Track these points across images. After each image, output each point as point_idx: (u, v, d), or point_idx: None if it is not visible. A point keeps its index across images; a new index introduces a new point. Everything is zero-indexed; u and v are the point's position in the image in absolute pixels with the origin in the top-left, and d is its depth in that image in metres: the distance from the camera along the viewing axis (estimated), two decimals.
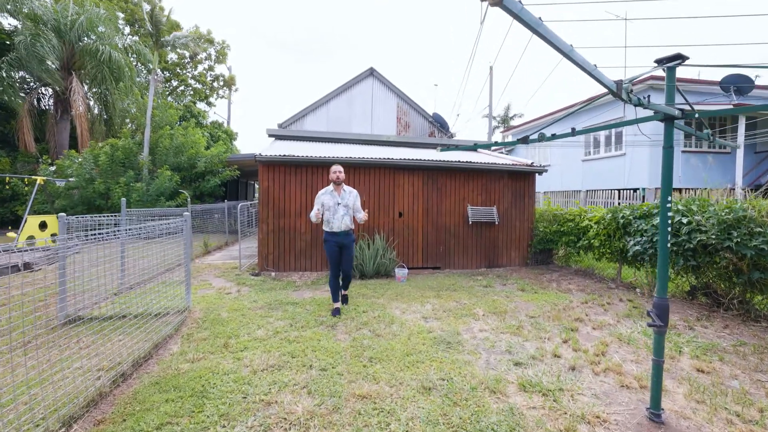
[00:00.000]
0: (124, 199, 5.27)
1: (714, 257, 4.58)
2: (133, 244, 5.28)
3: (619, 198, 12.13)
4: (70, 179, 11.56)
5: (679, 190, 11.77)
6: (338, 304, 4.64)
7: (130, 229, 4.37)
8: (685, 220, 4.78)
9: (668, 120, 2.31)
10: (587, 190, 13.70)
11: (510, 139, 19.97)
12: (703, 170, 11.98)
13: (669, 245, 5.04)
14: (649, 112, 2.40)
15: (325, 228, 4.56)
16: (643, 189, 11.72)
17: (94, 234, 3.87)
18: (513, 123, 26.46)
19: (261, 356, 3.35)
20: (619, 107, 12.28)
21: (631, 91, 1.92)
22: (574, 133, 2.76)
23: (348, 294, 5.06)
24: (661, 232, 2.38)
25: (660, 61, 2.29)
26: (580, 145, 14.35)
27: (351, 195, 4.62)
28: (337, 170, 4.56)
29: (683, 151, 11.79)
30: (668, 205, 2.33)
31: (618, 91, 1.84)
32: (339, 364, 3.24)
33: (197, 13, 50.67)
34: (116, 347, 3.38)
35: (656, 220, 5.20)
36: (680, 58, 2.23)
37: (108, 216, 5.17)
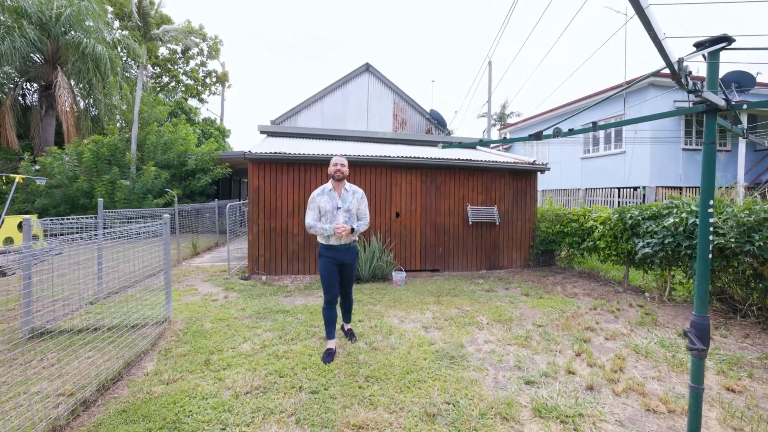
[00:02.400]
0: (101, 200, 4.90)
1: (731, 261, 4.31)
2: (108, 249, 4.92)
3: (619, 196, 11.90)
4: (56, 176, 11.11)
5: (680, 189, 11.58)
6: (333, 344, 3.50)
7: (103, 233, 4.02)
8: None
9: (710, 112, 2.00)
10: (586, 189, 13.46)
11: (509, 136, 19.70)
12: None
13: (681, 248, 4.78)
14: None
15: (321, 240, 3.48)
16: (644, 187, 11.49)
17: (66, 238, 3.52)
18: (510, 121, 26.18)
19: (245, 376, 3.01)
20: (616, 105, 12.02)
21: (690, 73, 1.61)
22: (595, 128, 2.45)
23: (353, 327, 4.03)
24: (700, 240, 2.08)
25: (700, 45, 1.98)
26: (579, 143, 14.10)
27: (354, 196, 3.53)
28: (338, 163, 3.45)
29: (684, 149, 11.58)
30: (710, 210, 2.03)
31: (678, 72, 1.53)
32: (332, 384, 2.91)
33: (190, 9, 49.81)
34: (83, 366, 3.03)
35: (668, 221, 4.93)
36: (725, 41, 1.92)
37: (78, 218, 4.79)
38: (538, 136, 2.76)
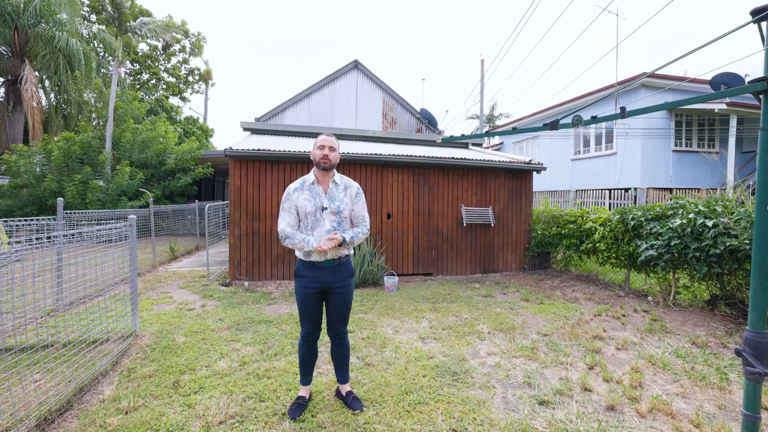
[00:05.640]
0: (60, 200, 4.40)
1: (744, 264, 4.09)
2: (72, 254, 4.42)
3: (610, 198, 11.82)
4: (22, 176, 10.38)
5: (670, 190, 11.55)
6: (305, 391, 2.59)
7: (63, 237, 3.55)
8: (710, 223, 4.27)
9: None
10: (577, 190, 13.37)
11: (497, 139, 19.56)
12: (693, 170, 11.79)
13: (689, 250, 4.55)
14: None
15: (299, 255, 2.46)
16: (635, 189, 11.42)
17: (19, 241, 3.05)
18: (499, 122, 26.17)
19: (220, 401, 2.60)
20: (608, 105, 11.93)
21: None
22: (624, 114, 2.15)
23: (353, 390, 2.73)
24: (757, 244, 1.78)
25: (759, 12, 1.69)
26: (569, 143, 14.00)
27: (347, 193, 2.51)
28: (325, 145, 2.43)
29: (674, 151, 11.56)
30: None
31: None
32: (320, 410, 2.53)
33: (175, 6, 48.53)
34: (27, 392, 2.57)
35: (673, 222, 4.70)
36: None
37: (27, 221, 4.28)
38: (554, 125, 2.44)
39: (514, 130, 2.74)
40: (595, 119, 2.29)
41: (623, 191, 11.44)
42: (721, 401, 2.65)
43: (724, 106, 10.14)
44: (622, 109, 2.15)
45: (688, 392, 2.81)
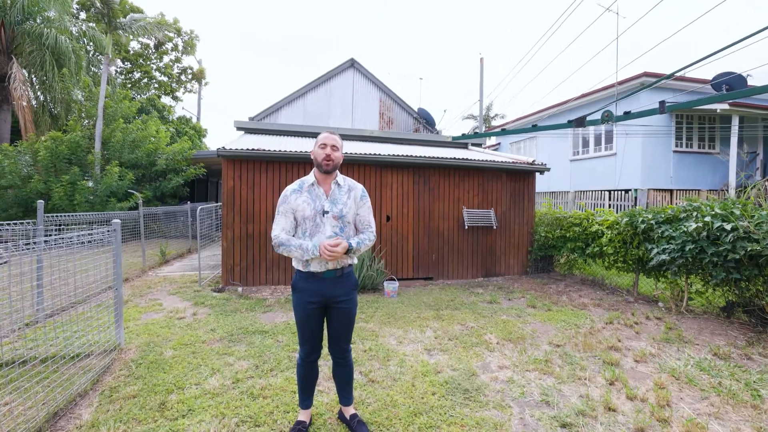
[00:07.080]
0: (41, 202, 4.11)
1: (765, 270, 3.90)
2: (54, 260, 4.12)
3: (609, 199, 11.68)
4: (7, 176, 10.00)
5: (671, 191, 11.44)
6: (305, 415, 2.35)
7: (40, 241, 3.27)
8: (728, 227, 4.08)
9: None
10: (576, 191, 13.23)
11: (494, 139, 19.41)
12: (693, 170, 11.69)
13: (706, 255, 4.36)
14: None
15: (296, 264, 2.20)
16: (635, 190, 11.28)
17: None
18: (494, 123, 26.05)
19: (210, 425, 2.35)
20: (606, 105, 11.78)
21: None
22: (663, 109, 1.94)
23: (358, 412, 2.50)
24: None
25: None
26: (568, 143, 13.85)
27: (351, 195, 2.24)
28: (328, 144, 2.15)
29: (675, 151, 11.44)
30: None
31: None
32: None
33: (169, 5, 48.00)
34: None
35: (688, 226, 4.50)
36: None
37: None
38: (580, 122, 2.29)
39: (534, 128, 2.52)
40: (628, 115, 2.08)
41: (623, 192, 11.30)
42: (759, 423, 2.44)
43: (726, 106, 10.03)
44: (661, 103, 1.95)
45: (721, 412, 2.60)
